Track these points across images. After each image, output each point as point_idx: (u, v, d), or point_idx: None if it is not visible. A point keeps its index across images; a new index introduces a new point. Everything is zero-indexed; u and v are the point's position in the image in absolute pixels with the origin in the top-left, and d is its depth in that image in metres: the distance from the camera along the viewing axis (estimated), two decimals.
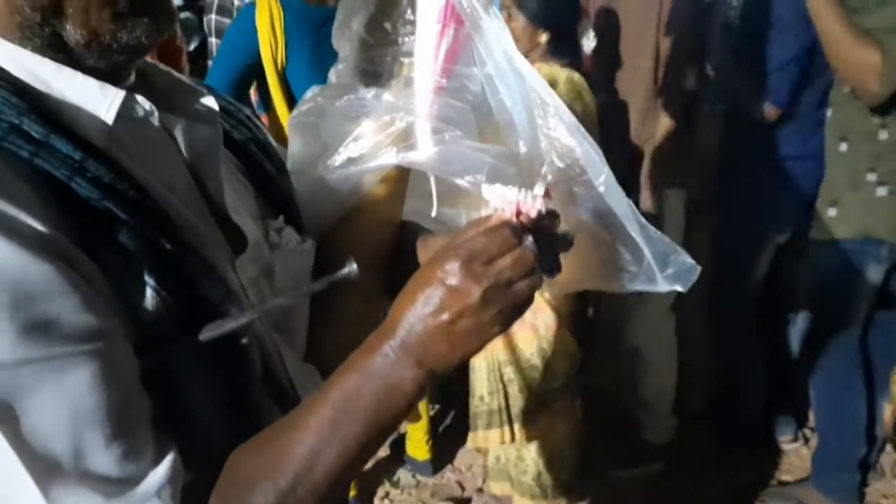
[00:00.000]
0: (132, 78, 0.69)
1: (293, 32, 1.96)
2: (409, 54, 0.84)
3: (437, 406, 2.85)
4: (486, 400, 2.18)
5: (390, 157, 0.80)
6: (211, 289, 0.63)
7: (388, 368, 0.61)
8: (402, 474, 2.59)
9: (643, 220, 0.82)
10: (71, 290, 0.54)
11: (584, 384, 2.40)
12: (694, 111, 2.38)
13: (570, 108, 1.99)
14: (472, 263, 0.60)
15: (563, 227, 0.71)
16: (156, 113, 0.66)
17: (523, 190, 0.66)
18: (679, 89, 2.27)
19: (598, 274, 0.90)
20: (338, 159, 0.82)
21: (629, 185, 2.24)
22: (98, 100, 0.62)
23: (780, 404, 2.58)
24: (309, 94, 0.89)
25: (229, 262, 0.71)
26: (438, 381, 2.50)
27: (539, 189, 0.68)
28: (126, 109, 0.63)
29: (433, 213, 0.87)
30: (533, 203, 0.66)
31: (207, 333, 0.61)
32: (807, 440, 2.58)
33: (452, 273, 0.60)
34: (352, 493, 2.43)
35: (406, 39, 0.85)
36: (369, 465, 2.67)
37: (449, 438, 2.71)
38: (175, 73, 0.74)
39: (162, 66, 0.74)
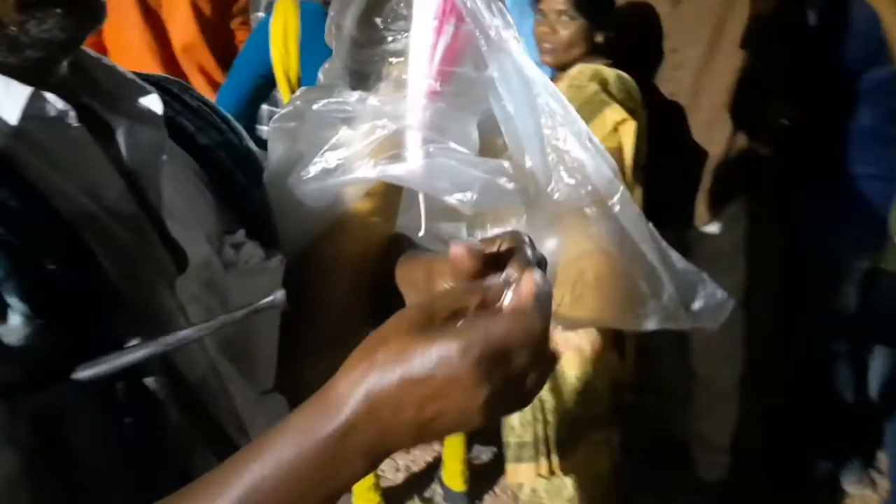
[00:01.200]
0: (63, 73, 0.62)
1: (312, 39, 1.88)
2: (399, 53, 0.74)
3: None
4: (518, 432, 2.07)
5: (368, 171, 0.71)
6: (116, 317, 0.55)
7: (325, 459, 0.49)
8: (437, 491, 2.50)
9: (664, 244, 0.70)
10: None
11: (628, 403, 2.26)
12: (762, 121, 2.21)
13: (625, 107, 1.87)
14: (485, 362, 0.47)
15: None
16: (72, 113, 0.58)
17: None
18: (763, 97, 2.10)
19: (615, 308, 0.80)
20: (312, 170, 0.73)
21: (683, 198, 2.09)
22: (2, 97, 0.55)
23: (846, 444, 2.39)
24: (295, 95, 0.81)
25: (167, 282, 0.63)
26: None
27: None
28: (34, 108, 0.56)
29: (421, 233, 0.77)
30: None
31: (86, 371, 0.51)
32: (874, 484, 2.38)
33: (457, 366, 0.47)
34: None
35: (398, 37, 0.75)
36: (401, 476, 2.62)
37: (482, 465, 2.61)
38: (120, 70, 0.66)
39: (106, 60, 0.66)
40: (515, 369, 0.49)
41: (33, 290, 0.51)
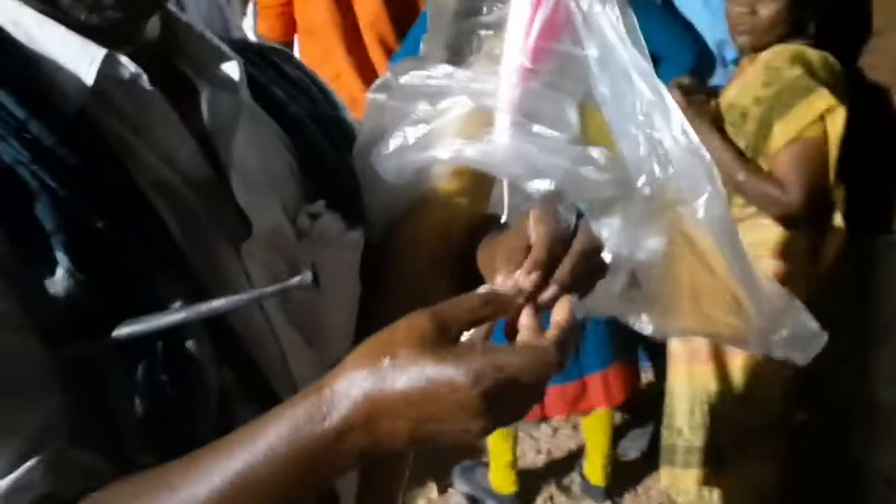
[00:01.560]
0: (152, 38, 0.64)
1: None
2: (491, 26, 0.70)
3: (626, 416, 2.65)
4: (686, 435, 1.96)
5: (443, 150, 0.68)
6: (173, 278, 0.56)
7: (318, 455, 0.49)
8: (576, 480, 2.45)
9: (750, 260, 0.62)
10: None
11: (799, 421, 2.07)
12: None
13: (835, 96, 1.68)
14: (493, 394, 0.48)
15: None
16: (144, 76, 0.59)
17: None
18: None
19: (709, 321, 0.72)
20: (391, 145, 0.71)
21: (880, 200, 1.86)
22: (79, 58, 0.58)
23: None
24: (392, 67, 0.79)
25: (233, 245, 0.64)
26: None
27: None
28: (109, 69, 0.58)
29: (504, 218, 0.73)
30: None
31: (124, 330, 0.53)
32: None
33: (464, 393, 0.48)
34: (513, 488, 2.34)
35: (494, 7, 0.71)
36: (542, 460, 2.58)
37: (628, 462, 2.51)
38: (208, 37, 0.68)
39: (198, 26, 0.68)
40: (521, 397, 0.50)
41: (78, 246, 0.53)
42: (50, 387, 0.54)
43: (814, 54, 1.74)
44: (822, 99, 1.67)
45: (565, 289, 0.56)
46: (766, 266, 1.82)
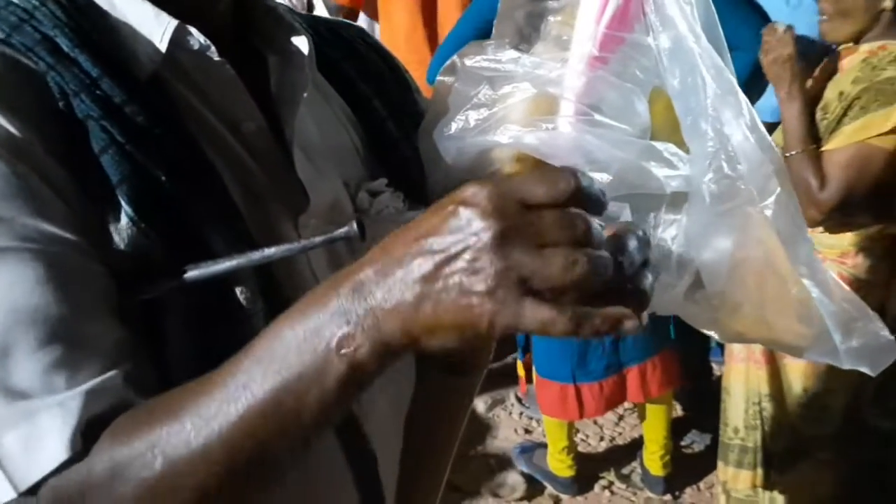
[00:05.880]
0: (224, 10, 0.66)
1: None
2: (558, 11, 0.69)
3: (691, 410, 2.60)
4: (741, 434, 1.93)
5: (501, 135, 0.67)
6: (216, 236, 0.59)
7: (323, 312, 0.48)
8: (637, 469, 2.42)
9: (822, 265, 0.59)
10: (26, 194, 0.54)
11: (866, 425, 2.00)
12: None
13: None
14: (505, 197, 0.45)
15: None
16: (213, 48, 0.62)
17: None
18: None
19: (773, 327, 0.69)
20: (452, 127, 0.70)
21: None
22: (153, 26, 0.60)
23: None
24: (461, 49, 0.78)
25: (291, 216, 0.66)
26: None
27: None
28: (180, 40, 0.61)
29: None
30: None
31: (191, 273, 0.56)
32: None
33: (474, 197, 0.45)
34: (570, 472, 2.33)
35: None
36: (604, 447, 2.56)
37: (693, 455, 2.46)
38: (280, 11, 0.69)
39: (269, 1, 0.69)
40: (536, 224, 0.45)
41: (142, 197, 0.56)
42: (116, 316, 0.57)
43: None
44: None
45: None
46: (835, 270, 1.75)
